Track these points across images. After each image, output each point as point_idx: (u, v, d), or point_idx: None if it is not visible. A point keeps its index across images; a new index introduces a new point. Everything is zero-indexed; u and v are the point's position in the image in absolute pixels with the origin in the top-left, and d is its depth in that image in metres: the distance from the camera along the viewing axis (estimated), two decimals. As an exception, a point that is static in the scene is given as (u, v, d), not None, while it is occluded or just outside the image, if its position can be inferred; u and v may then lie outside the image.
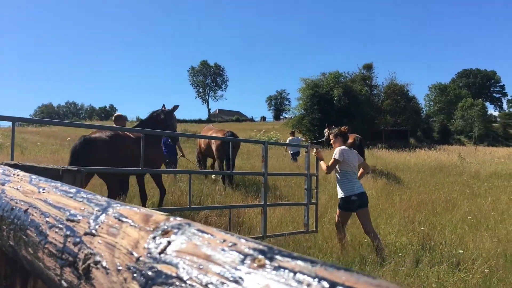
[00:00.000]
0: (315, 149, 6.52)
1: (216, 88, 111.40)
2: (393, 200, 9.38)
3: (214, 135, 11.45)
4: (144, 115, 9.62)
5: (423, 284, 4.34)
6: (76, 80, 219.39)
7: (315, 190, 6.89)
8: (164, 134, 6.95)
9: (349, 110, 40.04)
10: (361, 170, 6.22)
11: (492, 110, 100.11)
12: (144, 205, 7.32)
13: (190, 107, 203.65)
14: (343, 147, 5.91)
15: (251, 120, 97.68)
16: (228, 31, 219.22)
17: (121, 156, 6.45)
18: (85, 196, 0.64)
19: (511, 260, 5.21)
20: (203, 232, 0.38)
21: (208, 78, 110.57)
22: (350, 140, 16.98)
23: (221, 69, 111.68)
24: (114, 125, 8.97)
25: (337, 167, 5.86)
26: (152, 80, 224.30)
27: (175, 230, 0.41)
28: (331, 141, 6.24)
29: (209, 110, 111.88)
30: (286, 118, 67.66)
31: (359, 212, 5.72)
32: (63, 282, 0.57)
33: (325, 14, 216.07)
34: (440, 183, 12.49)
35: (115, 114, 9.43)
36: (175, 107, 8.35)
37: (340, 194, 5.83)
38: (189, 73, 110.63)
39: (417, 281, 4.36)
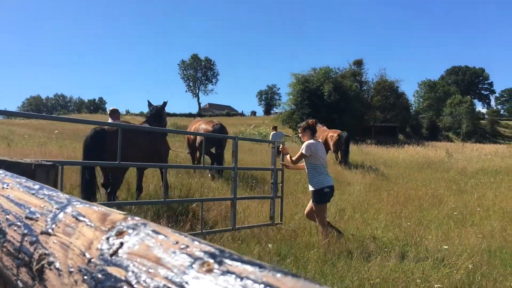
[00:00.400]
0: (280, 145, 6.53)
1: (206, 82, 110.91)
2: (381, 196, 9.45)
3: (203, 126, 11.42)
4: (133, 108, 9.96)
5: (408, 279, 4.38)
6: (65, 72, 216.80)
7: (281, 184, 7.00)
8: (147, 129, 6.96)
9: (339, 106, 40.15)
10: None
11: (480, 107, 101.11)
12: (138, 197, 7.48)
13: (180, 101, 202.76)
14: (311, 141, 5.94)
15: (241, 114, 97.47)
16: (219, 25, 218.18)
17: (131, 148, 6.55)
18: (47, 193, 0.62)
19: (495, 255, 5.28)
20: (157, 233, 0.37)
21: (199, 72, 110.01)
22: (334, 135, 17.08)
23: (212, 63, 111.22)
24: (110, 119, 9.33)
25: (307, 161, 5.90)
26: (142, 73, 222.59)
27: (130, 231, 0.39)
28: (300, 135, 6.28)
29: (199, 104, 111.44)
30: (276, 113, 67.63)
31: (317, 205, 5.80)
32: (19, 282, 0.55)
33: (317, 10, 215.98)
34: (428, 179, 12.60)
35: (111, 108, 9.62)
36: (165, 103, 8.75)
37: (312, 187, 5.85)
38: (179, 67, 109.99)
39: (402, 277, 4.39)
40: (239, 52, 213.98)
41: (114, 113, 9.38)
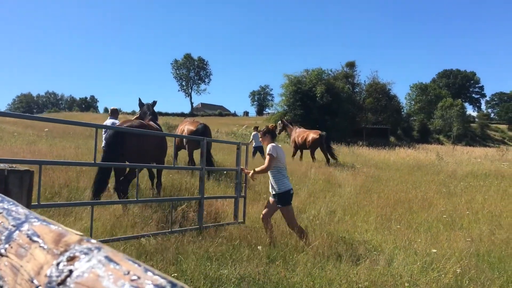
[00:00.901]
0: (244, 170, 6.63)
1: (199, 81, 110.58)
2: (371, 198, 9.45)
3: (187, 127, 11.60)
4: (125, 107, 10.70)
5: (396, 283, 4.37)
6: (56, 70, 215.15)
7: (244, 184, 7.13)
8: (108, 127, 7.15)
9: (331, 107, 40.29)
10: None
11: (470, 111, 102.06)
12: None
13: (172, 101, 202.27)
14: (273, 144, 6.00)
15: (234, 114, 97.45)
16: (213, 25, 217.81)
17: (147, 144, 7.29)
18: (6, 207, 0.59)
19: (483, 259, 5.29)
20: (110, 260, 0.34)
21: (192, 72, 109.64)
22: (315, 136, 17.78)
23: (205, 62, 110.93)
24: (109, 118, 10.10)
25: (272, 164, 5.93)
26: (134, 72, 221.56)
27: (82, 256, 0.36)
28: (260, 139, 6.36)
29: (192, 103, 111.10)
30: (269, 113, 67.72)
31: (285, 208, 5.86)
32: (-29, 306, 0.51)
33: (310, 11, 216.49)
34: (418, 181, 12.64)
35: (111, 108, 10.35)
36: (155, 102, 9.48)
37: (279, 190, 5.85)
38: (172, 66, 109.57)
39: (390, 280, 4.39)
40: (232, 52, 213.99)
41: (114, 112, 10.12)
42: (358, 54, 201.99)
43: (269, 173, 6.00)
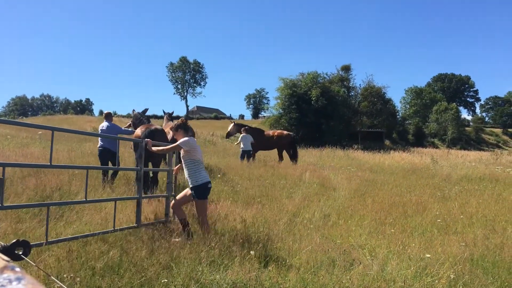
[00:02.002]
0: (146, 140, 6.50)
1: (195, 85, 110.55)
2: (366, 202, 9.42)
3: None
4: (120, 110, 11.35)
5: (390, 288, 4.33)
6: (51, 72, 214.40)
7: (173, 183, 7.21)
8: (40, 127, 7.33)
9: (326, 111, 40.34)
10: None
11: (465, 114, 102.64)
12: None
13: (168, 104, 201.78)
14: (187, 137, 6.03)
15: (230, 118, 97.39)
16: (208, 28, 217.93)
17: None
18: None
19: (477, 264, 5.26)
20: None
21: (187, 75, 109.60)
22: (285, 134, 18.87)
23: (201, 66, 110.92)
24: (105, 122, 10.58)
25: (186, 156, 5.97)
26: (130, 74, 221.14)
27: None
28: (173, 135, 6.38)
29: (187, 107, 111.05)
30: (264, 117, 67.69)
31: (200, 202, 5.91)
32: None
33: (305, 15, 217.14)
34: (412, 185, 12.62)
35: (105, 112, 10.80)
36: (146, 110, 10.87)
37: (196, 182, 5.88)
38: (168, 69, 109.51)
39: (384, 285, 4.34)
40: (228, 55, 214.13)
41: (108, 116, 10.59)
42: (354, 58, 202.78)
43: (183, 166, 6.03)
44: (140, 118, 10.46)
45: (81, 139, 21.47)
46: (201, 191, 5.88)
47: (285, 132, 20.27)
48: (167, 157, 7.50)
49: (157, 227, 6.26)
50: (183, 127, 6.20)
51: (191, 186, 5.94)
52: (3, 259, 0.40)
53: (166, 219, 6.76)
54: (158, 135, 10.63)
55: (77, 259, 4.66)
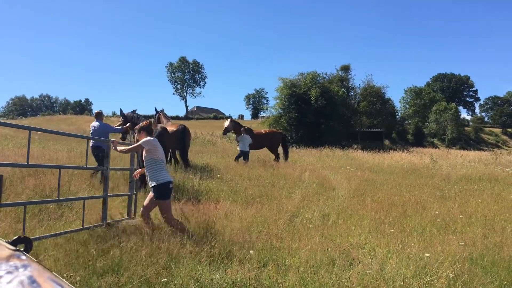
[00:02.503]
0: (112, 140, 6.57)
1: (194, 85, 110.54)
2: (365, 202, 9.42)
3: (169, 128, 11.98)
4: (119, 110, 11.65)
5: (389, 287, 4.34)
6: (51, 72, 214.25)
7: (132, 181, 7.35)
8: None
9: (325, 111, 40.32)
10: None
11: (464, 114, 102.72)
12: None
13: (167, 104, 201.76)
14: (149, 138, 6.13)
15: (229, 117, 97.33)
16: (208, 28, 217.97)
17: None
18: None
19: (476, 263, 5.27)
20: (32, 281, 0.31)
21: (187, 75, 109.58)
22: (266, 131, 19.16)
23: (200, 66, 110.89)
24: (95, 121, 10.83)
25: (147, 156, 6.03)
26: (130, 75, 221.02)
27: (7, 276, 0.33)
28: (137, 136, 6.47)
29: (186, 107, 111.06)
30: (264, 117, 67.67)
31: (162, 203, 5.92)
32: None
33: (304, 15, 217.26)
34: (412, 185, 12.63)
35: (96, 111, 11.18)
36: (134, 111, 11.44)
37: (156, 182, 5.90)
38: (167, 69, 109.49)
39: (383, 285, 4.35)
40: (227, 55, 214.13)
41: (99, 115, 10.82)
42: (353, 58, 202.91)
43: (145, 166, 6.08)
44: (139, 117, 11.04)
45: (80, 139, 21.47)
46: (162, 191, 5.88)
47: (276, 130, 20.68)
48: (136, 157, 7.63)
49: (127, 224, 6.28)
50: (147, 129, 6.30)
51: (151, 186, 5.95)
52: (9, 248, 0.41)
53: (128, 217, 6.90)
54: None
55: (77, 258, 4.67)
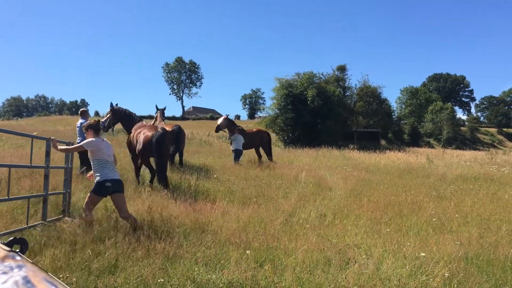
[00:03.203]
0: (51, 138, 6.62)
1: (190, 85, 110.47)
2: (362, 201, 9.45)
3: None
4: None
5: (385, 287, 4.35)
6: (47, 73, 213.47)
7: (69, 179, 7.40)
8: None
9: (322, 111, 40.33)
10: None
11: (460, 114, 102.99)
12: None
13: (163, 104, 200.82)
14: (93, 138, 6.29)
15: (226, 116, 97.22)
16: (204, 28, 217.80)
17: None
18: None
19: (472, 263, 5.29)
20: (27, 281, 0.31)
21: (183, 75, 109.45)
22: (254, 130, 19.23)
23: (196, 66, 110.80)
24: (80, 119, 11.19)
25: (91, 156, 6.25)
26: (126, 75, 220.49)
27: (2, 276, 0.33)
28: (85, 134, 6.56)
29: (183, 107, 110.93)
30: (260, 117, 67.67)
31: (114, 196, 6.13)
32: None
33: (301, 15, 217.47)
34: (408, 185, 12.67)
35: (81, 110, 11.67)
36: (116, 105, 11.43)
37: (96, 179, 6.17)
38: (163, 69, 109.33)
39: (379, 284, 4.37)
40: (224, 56, 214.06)
41: (84, 114, 11.21)
42: (349, 58, 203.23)
43: (91, 164, 6.29)
44: (130, 114, 11.29)
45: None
46: (98, 187, 6.09)
47: (263, 129, 20.71)
48: (78, 156, 7.77)
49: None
50: (94, 128, 6.41)
51: (95, 180, 6.19)
52: (4, 249, 0.41)
53: (63, 215, 6.89)
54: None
55: (73, 259, 4.66)
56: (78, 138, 10.73)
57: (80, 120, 10.88)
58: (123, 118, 11.24)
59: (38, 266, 0.35)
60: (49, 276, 0.32)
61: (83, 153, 10.27)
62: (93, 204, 6.20)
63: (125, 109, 11.34)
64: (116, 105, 11.39)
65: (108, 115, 11.18)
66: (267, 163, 16.58)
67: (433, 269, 4.79)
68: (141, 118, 11.36)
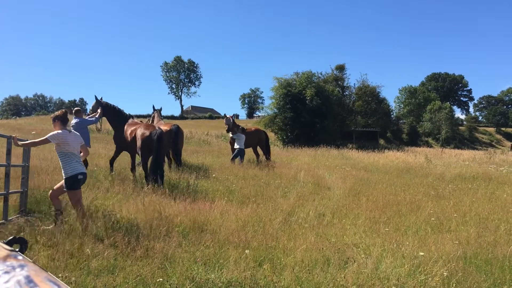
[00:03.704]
0: (12, 136, 6.60)
1: (189, 84, 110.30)
2: (360, 201, 9.46)
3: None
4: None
5: (384, 286, 4.36)
6: (45, 72, 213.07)
7: (25, 178, 7.30)
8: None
9: (321, 110, 40.32)
10: (81, 153, 6.60)
11: (459, 114, 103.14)
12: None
13: (162, 103, 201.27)
14: (60, 130, 6.19)
15: (224, 116, 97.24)
16: (203, 28, 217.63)
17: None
18: None
19: (470, 262, 5.30)
20: (29, 281, 0.31)
21: (182, 74, 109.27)
22: (252, 129, 18.87)
23: (195, 65, 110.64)
24: (74, 118, 10.90)
25: (57, 149, 6.15)
26: (124, 74, 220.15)
27: (4, 276, 0.33)
28: (52, 125, 6.47)
29: (182, 106, 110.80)
30: (259, 116, 67.60)
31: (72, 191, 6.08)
32: None
33: (300, 14, 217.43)
34: (407, 184, 12.68)
35: (75, 109, 11.32)
36: (101, 98, 11.38)
37: (66, 174, 6.07)
38: (162, 69, 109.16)
39: (378, 283, 4.37)
40: (223, 55, 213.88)
41: (78, 112, 10.99)
42: (348, 58, 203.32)
43: (58, 157, 6.22)
44: (119, 111, 11.28)
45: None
46: (71, 182, 6.04)
47: (260, 128, 20.47)
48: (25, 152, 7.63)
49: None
50: (61, 119, 6.33)
51: (64, 177, 6.10)
52: (6, 249, 0.41)
53: (20, 214, 6.76)
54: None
55: (72, 258, 4.66)
56: None
57: (75, 119, 10.80)
58: (113, 113, 11.28)
59: (39, 265, 0.35)
60: (50, 276, 0.32)
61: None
62: (79, 199, 6.19)
63: (112, 105, 11.33)
64: (101, 99, 11.41)
65: (100, 111, 11.10)
66: (265, 163, 16.57)
67: (431, 268, 4.80)
68: (131, 115, 11.39)
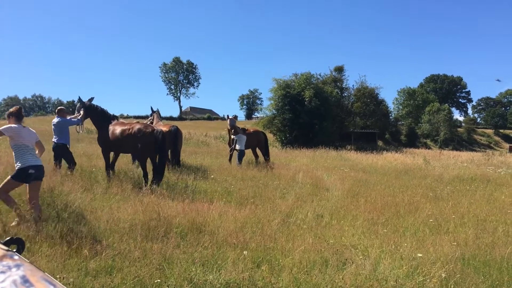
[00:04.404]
0: None
1: (188, 85, 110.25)
2: (359, 202, 9.46)
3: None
4: (111, 110, 11.33)
5: (382, 287, 4.36)
6: (44, 72, 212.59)
7: None
8: None
9: (319, 112, 40.34)
10: (37, 149, 6.71)
11: (457, 115, 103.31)
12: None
13: (161, 104, 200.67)
14: (14, 124, 6.33)
15: (223, 118, 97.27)
16: (202, 29, 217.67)
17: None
18: None
19: (468, 264, 5.31)
20: (25, 281, 0.31)
21: (181, 75, 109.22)
22: (251, 131, 18.85)
23: (194, 66, 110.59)
24: (56, 117, 10.79)
25: (11, 142, 6.28)
26: (122, 75, 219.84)
27: (0, 275, 0.33)
28: (8, 122, 6.56)
29: (180, 107, 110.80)
30: (258, 117, 67.63)
31: (33, 184, 6.18)
32: None
33: (298, 16, 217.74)
34: (405, 185, 12.69)
35: (58, 108, 11.20)
36: (92, 99, 11.16)
37: (17, 166, 6.21)
38: (161, 70, 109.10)
39: (376, 285, 4.37)
40: (221, 56, 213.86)
41: (60, 111, 10.88)
42: (347, 59, 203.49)
43: (12, 150, 6.34)
44: (103, 111, 11.04)
45: (73, 139, 21.36)
46: (19, 174, 6.14)
47: (259, 129, 20.50)
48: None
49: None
50: (15, 115, 6.46)
51: (16, 168, 6.22)
52: (2, 249, 0.41)
53: None
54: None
55: (70, 259, 4.65)
56: (54, 136, 10.58)
57: (56, 119, 10.69)
58: (96, 114, 11.07)
59: (35, 265, 0.35)
60: (46, 276, 0.32)
61: (57, 149, 10.48)
62: (9, 189, 6.23)
63: (95, 105, 11.16)
64: (92, 99, 11.26)
65: (82, 113, 10.98)
66: (264, 164, 16.57)
67: (430, 269, 4.80)
68: (116, 116, 11.23)
